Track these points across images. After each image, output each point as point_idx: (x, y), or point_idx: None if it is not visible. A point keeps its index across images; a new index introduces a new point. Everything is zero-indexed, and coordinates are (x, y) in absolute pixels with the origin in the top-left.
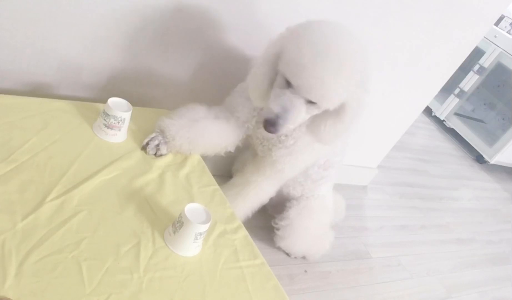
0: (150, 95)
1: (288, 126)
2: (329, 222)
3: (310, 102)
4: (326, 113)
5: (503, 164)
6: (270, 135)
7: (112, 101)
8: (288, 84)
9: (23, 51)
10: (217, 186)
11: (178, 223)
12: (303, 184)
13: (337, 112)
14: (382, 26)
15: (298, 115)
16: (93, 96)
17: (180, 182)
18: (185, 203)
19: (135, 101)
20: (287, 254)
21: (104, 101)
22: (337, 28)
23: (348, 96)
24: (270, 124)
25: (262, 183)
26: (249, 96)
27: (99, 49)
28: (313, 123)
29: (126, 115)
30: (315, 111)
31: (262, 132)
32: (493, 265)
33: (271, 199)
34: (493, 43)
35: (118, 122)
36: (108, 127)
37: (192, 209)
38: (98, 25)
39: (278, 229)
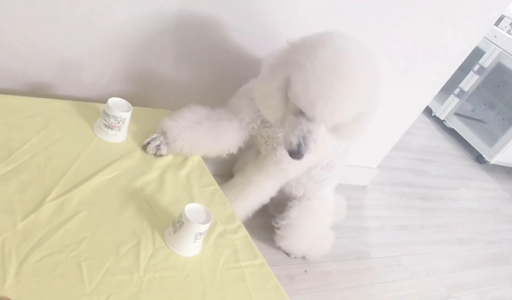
0: (151, 95)
1: (311, 149)
2: (330, 222)
3: None
4: None
5: (503, 164)
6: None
7: (112, 101)
8: (302, 111)
9: (23, 51)
10: (217, 186)
11: (178, 223)
12: (306, 185)
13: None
14: (382, 26)
15: (317, 138)
16: (93, 96)
17: (180, 182)
18: (185, 203)
19: (135, 101)
20: (287, 254)
21: (104, 101)
22: (343, 47)
23: (362, 108)
24: (294, 155)
25: (264, 182)
26: (253, 97)
27: (99, 49)
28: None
29: (126, 115)
30: (332, 127)
31: (268, 131)
32: (493, 265)
33: (272, 198)
34: (493, 43)
35: (118, 122)
36: (108, 127)
37: (192, 209)
38: (98, 25)
39: (278, 229)
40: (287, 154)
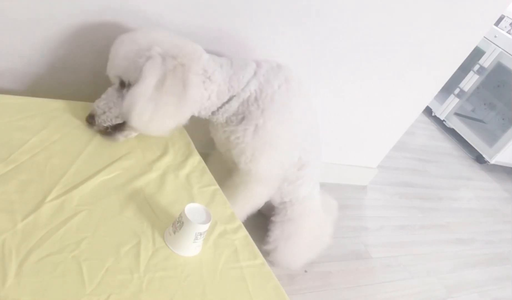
0: None
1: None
2: (318, 224)
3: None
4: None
5: (503, 164)
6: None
7: None
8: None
9: (23, 51)
10: (217, 186)
11: (178, 223)
12: (280, 187)
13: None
14: (382, 25)
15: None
16: (93, 96)
17: (180, 182)
18: (185, 203)
19: None
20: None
21: None
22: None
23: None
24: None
25: (247, 184)
26: None
27: (99, 49)
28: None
29: None
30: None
31: (220, 134)
32: (493, 265)
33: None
34: (493, 43)
35: None
36: None
37: (192, 209)
38: (98, 25)
39: (268, 254)
40: (236, 152)
